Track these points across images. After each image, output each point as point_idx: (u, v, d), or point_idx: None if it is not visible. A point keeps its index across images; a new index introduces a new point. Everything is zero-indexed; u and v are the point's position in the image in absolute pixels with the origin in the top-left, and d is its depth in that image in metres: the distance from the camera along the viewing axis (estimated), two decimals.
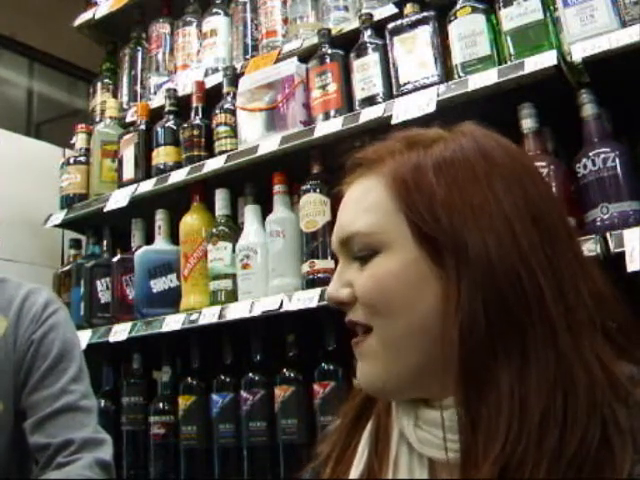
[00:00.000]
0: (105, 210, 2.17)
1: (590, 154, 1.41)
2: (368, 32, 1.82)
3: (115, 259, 2.19)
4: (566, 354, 0.63)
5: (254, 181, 1.93)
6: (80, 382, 1.23)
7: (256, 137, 1.92)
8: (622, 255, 1.26)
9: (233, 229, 1.96)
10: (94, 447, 1.16)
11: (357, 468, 0.73)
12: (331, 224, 1.75)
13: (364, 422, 0.77)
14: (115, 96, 2.53)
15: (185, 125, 2.11)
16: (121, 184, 2.23)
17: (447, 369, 0.65)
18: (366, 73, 1.78)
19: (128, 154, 2.25)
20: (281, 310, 1.71)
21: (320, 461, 0.81)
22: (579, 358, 0.63)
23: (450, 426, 0.65)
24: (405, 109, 1.62)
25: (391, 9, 1.83)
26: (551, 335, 0.63)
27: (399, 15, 1.80)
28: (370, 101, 1.76)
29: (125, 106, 2.46)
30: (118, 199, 2.15)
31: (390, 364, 0.69)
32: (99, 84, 2.60)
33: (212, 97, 2.12)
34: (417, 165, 0.70)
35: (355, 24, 1.89)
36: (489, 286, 0.64)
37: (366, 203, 0.71)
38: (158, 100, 2.31)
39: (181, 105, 2.22)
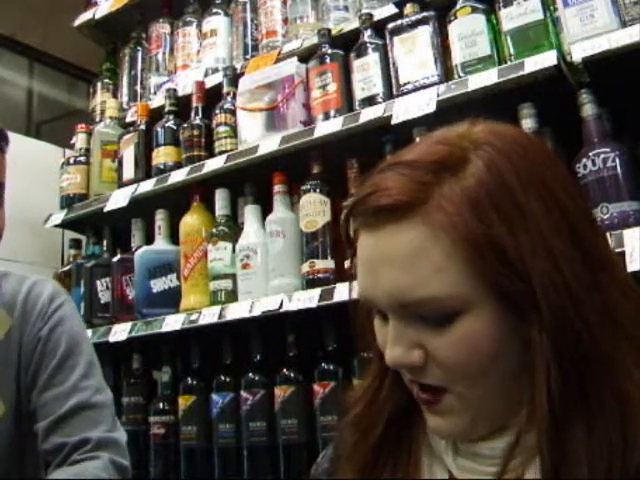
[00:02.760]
0: (105, 210, 2.17)
1: (590, 154, 1.41)
2: (368, 32, 1.82)
3: (115, 259, 2.19)
4: (627, 387, 0.63)
5: (254, 181, 1.93)
6: (91, 377, 1.20)
7: (256, 137, 1.92)
8: (622, 255, 1.26)
9: (233, 229, 1.96)
10: (111, 447, 1.15)
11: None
12: (331, 224, 1.75)
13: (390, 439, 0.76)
14: (115, 96, 2.53)
15: (185, 125, 2.11)
16: (121, 184, 2.23)
17: (516, 407, 0.67)
18: (366, 73, 1.78)
19: (128, 154, 2.25)
20: (281, 310, 1.71)
21: (333, 462, 0.81)
22: (633, 383, 0.63)
23: (492, 455, 0.68)
24: (405, 109, 1.62)
25: (391, 9, 1.83)
26: (612, 371, 0.63)
27: (399, 15, 1.80)
28: (370, 101, 1.76)
29: (125, 106, 2.46)
30: (118, 199, 2.15)
31: (476, 417, 0.67)
32: (99, 84, 2.60)
33: (212, 97, 2.12)
34: (470, 204, 0.62)
35: (355, 24, 1.89)
36: (560, 331, 0.62)
37: (433, 260, 0.62)
38: (158, 100, 2.30)
39: (181, 105, 2.22)
